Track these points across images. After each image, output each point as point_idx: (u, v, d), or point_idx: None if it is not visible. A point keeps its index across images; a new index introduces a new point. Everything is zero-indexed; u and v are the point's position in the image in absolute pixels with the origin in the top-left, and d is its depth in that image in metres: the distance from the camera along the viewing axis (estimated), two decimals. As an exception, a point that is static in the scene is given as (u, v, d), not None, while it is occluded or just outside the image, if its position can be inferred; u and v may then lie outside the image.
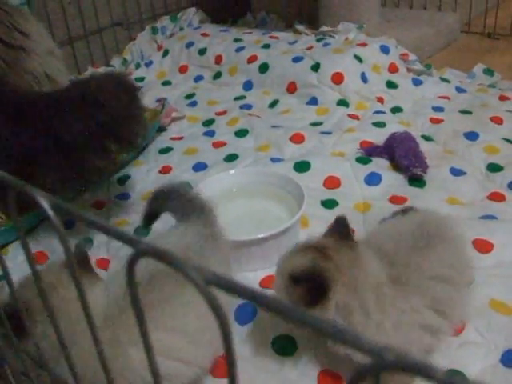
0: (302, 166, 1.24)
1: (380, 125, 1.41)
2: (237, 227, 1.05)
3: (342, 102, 1.53)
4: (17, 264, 1.03)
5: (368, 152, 1.29)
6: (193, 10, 2.22)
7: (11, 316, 0.56)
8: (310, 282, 0.69)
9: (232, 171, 1.16)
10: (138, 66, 2.05)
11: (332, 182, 1.20)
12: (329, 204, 1.14)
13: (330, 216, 1.08)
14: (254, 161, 1.32)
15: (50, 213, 0.33)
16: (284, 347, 0.83)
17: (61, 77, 1.36)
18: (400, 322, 0.70)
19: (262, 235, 0.96)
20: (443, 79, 1.65)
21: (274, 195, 1.11)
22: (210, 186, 1.11)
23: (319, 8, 1.96)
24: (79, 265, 0.66)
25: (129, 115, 1.05)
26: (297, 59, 1.67)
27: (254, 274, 0.98)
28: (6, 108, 1.08)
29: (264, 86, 1.70)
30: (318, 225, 1.05)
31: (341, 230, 0.76)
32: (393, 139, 1.27)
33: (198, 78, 1.88)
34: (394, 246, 0.76)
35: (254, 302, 0.26)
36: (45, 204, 0.33)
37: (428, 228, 0.78)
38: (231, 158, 1.35)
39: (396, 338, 0.69)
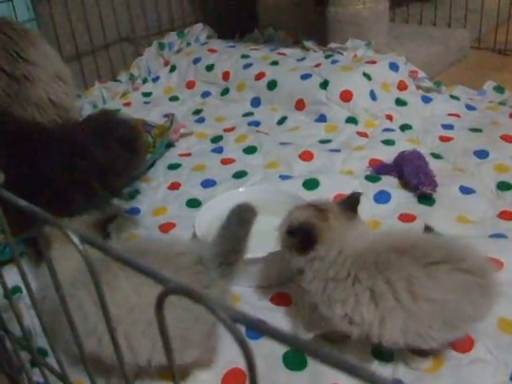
0: (311, 184, 1.24)
1: (389, 142, 1.41)
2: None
3: (351, 120, 1.53)
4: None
5: (377, 170, 1.29)
6: (200, 25, 2.23)
7: None
8: (302, 233, 0.81)
9: (241, 189, 1.17)
10: (145, 80, 2.06)
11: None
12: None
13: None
14: (263, 178, 1.32)
15: (81, 247, 0.33)
16: (294, 362, 0.83)
17: (67, 100, 1.37)
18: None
19: (271, 252, 0.96)
20: (453, 96, 1.65)
21: (283, 213, 1.10)
22: (220, 204, 1.11)
23: (327, 24, 1.96)
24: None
25: (120, 170, 1.06)
26: (305, 76, 1.67)
27: (265, 290, 0.98)
28: (4, 138, 1.08)
29: (272, 102, 1.70)
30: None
31: (351, 202, 0.85)
32: (402, 157, 1.27)
33: (206, 94, 1.88)
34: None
35: (276, 340, 0.26)
36: (75, 238, 0.33)
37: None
38: (240, 174, 1.35)
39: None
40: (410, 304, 0.73)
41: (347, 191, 1.19)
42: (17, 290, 0.98)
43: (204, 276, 0.76)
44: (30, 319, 0.90)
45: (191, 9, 2.32)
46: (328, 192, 1.21)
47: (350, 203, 0.85)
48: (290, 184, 1.25)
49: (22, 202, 0.42)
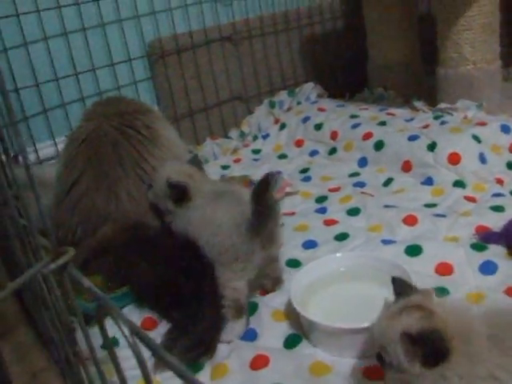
0: (414, 250, 1.21)
1: (498, 209, 1.35)
2: (342, 312, 1.05)
3: (459, 183, 1.49)
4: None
5: (484, 238, 1.24)
6: (310, 84, 2.28)
7: None
8: (428, 344, 0.70)
9: (339, 254, 1.16)
10: (255, 138, 2.12)
11: (444, 269, 1.17)
12: (440, 292, 1.09)
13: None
14: (365, 241, 1.31)
15: (130, 340, 0.34)
16: None
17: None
18: None
19: (367, 324, 0.94)
20: None
21: (381, 280, 1.09)
22: (317, 269, 1.13)
23: (437, 84, 1.95)
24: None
25: None
26: (413, 138, 1.66)
27: (357, 362, 0.97)
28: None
29: (379, 163, 1.70)
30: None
31: (406, 289, 0.80)
32: (512, 225, 1.22)
33: (314, 153, 1.91)
34: None
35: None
36: (125, 329, 0.34)
37: None
38: (342, 237, 1.35)
39: None
40: None
41: (451, 260, 1.18)
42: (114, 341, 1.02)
43: None
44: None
45: (302, 68, 2.38)
46: (431, 260, 1.19)
47: (406, 290, 0.80)
48: (392, 249, 1.23)
49: (86, 282, 0.44)
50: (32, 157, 1.82)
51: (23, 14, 1.74)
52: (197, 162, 1.32)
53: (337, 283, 1.12)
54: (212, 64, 2.11)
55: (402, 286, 0.81)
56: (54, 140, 1.87)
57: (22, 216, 0.65)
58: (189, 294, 1.09)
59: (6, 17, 1.71)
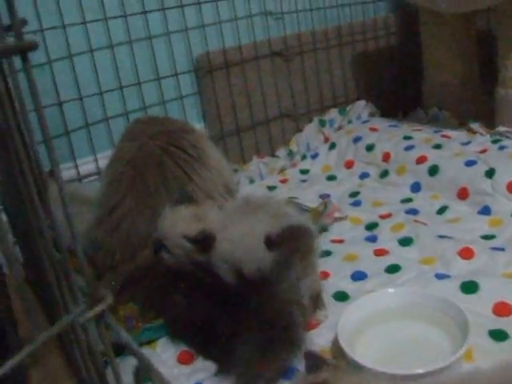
0: (470, 287, 1.14)
1: (562, 244, 1.27)
2: (393, 354, 0.99)
3: (518, 214, 1.41)
4: (161, 360, 1.07)
5: (547, 277, 1.16)
6: (362, 102, 2.22)
7: None
8: None
9: (391, 290, 1.10)
10: (303, 157, 2.07)
11: (503, 309, 1.09)
12: (498, 335, 1.02)
13: (498, 349, 0.99)
14: (417, 275, 1.24)
15: None
16: None
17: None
18: None
19: (420, 371, 0.88)
20: None
21: (434, 319, 1.04)
22: (367, 305, 1.07)
23: (496, 106, 1.86)
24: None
25: None
26: (470, 163, 1.58)
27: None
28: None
29: (433, 189, 1.62)
30: (484, 359, 0.96)
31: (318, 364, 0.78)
32: None
33: (364, 175, 1.85)
34: None
35: None
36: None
37: None
38: (393, 269, 1.28)
39: None
40: None
41: (510, 300, 1.10)
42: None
43: None
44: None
45: (354, 85, 2.31)
46: (488, 299, 1.11)
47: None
48: (446, 285, 1.16)
49: (124, 335, 0.41)
50: (72, 172, 1.80)
51: (69, 26, 1.72)
52: (185, 199, 1.23)
53: (387, 321, 1.06)
54: (261, 80, 2.07)
55: (313, 361, 0.81)
56: (95, 156, 1.85)
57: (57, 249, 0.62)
58: (226, 332, 1.04)
59: (52, 28, 1.69)
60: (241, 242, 1.08)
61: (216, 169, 1.40)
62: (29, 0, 1.65)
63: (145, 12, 1.83)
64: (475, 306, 1.09)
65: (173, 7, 1.88)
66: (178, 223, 1.15)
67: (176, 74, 1.94)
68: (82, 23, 1.75)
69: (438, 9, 1.83)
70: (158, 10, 1.86)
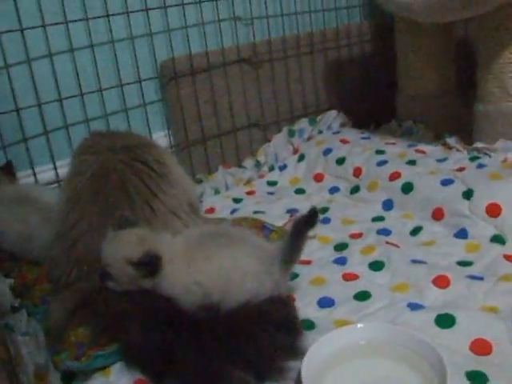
0: (445, 321, 1.04)
1: (545, 273, 1.18)
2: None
3: (498, 239, 1.32)
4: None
5: (529, 310, 1.07)
6: (333, 112, 2.13)
7: None
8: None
9: (360, 325, 1.00)
10: (271, 168, 1.97)
11: (481, 347, 0.99)
12: (476, 378, 0.92)
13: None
14: (389, 304, 1.14)
15: None
16: None
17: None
18: None
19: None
20: None
21: (407, 359, 0.94)
22: (334, 340, 0.97)
23: (475, 120, 1.78)
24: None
25: None
26: (446, 182, 1.49)
27: None
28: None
29: (406, 208, 1.53)
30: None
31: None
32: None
33: (334, 190, 1.75)
34: None
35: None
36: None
37: None
38: (363, 296, 1.18)
39: None
40: None
41: (489, 336, 1.01)
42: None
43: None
44: None
45: (326, 94, 2.23)
46: (465, 334, 1.01)
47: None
48: (420, 317, 1.06)
49: None
50: (30, 180, 1.70)
51: (27, 29, 1.61)
52: (128, 224, 1.13)
53: (355, 359, 0.97)
54: (228, 87, 1.97)
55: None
56: (54, 163, 1.73)
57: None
58: (184, 361, 0.94)
59: (10, 31, 1.58)
60: (224, 276, 1.05)
61: (180, 185, 1.31)
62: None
63: (108, 15, 1.72)
64: (451, 341, 1.00)
65: (137, 10, 1.78)
66: (121, 247, 1.07)
67: (139, 81, 1.83)
68: (42, 26, 1.63)
69: (416, 18, 1.75)
70: (122, 13, 1.75)
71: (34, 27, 1.62)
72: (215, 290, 1.04)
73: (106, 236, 1.09)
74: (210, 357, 0.95)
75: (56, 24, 1.65)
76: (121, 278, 1.07)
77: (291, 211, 1.64)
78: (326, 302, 1.19)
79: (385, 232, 1.45)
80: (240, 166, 2.01)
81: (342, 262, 1.34)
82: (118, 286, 1.08)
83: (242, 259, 1.07)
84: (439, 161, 1.65)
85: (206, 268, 1.06)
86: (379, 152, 1.76)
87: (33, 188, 1.57)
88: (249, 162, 2.01)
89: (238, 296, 1.04)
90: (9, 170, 1.52)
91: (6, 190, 1.47)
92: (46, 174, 1.74)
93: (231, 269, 1.06)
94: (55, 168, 1.73)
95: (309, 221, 1.07)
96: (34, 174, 1.71)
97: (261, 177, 1.95)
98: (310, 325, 1.11)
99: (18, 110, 1.64)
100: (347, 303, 1.17)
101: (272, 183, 1.90)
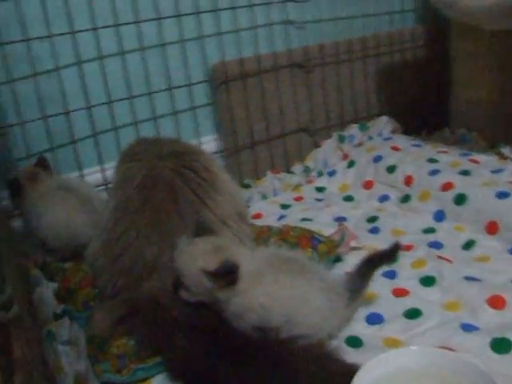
0: (502, 345, 1.00)
1: None
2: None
3: (556, 257, 1.27)
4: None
5: None
6: (385, 118, 2.09)
7: None
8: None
9: (414, 347, 0.96)
10: (320, 174, 1.95)
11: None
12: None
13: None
14: (441, 323, 1.10)
15: None
16: None
17: None
18: None
19: None
20: None
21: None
22: (384, 364, 0.93)
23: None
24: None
25: None
26: (501, 195, 1.44)
27: None
28: None
29: (458, 220, 1.49)
30: None
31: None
32: None
33: (384, 198, 1.72)
34: None
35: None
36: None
37: None
38: (413, 313, 1.15)
39: None
40: None
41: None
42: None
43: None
44: None
45: (377, 100, 2.19)
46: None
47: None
48: (475, 341, 1.03)
49: None
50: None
51: (79, 32, 1.63)
52: (203, 230, 1.12)
53: None
54: (279, 92, 1.95)
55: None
56: (102, 166, 1.75)
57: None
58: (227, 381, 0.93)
59: (61, 34, 1.60)
60: (292, 306, 1.03)
61: (228, 193, 1.30)
62: (37, 4, 1.56)
63: (159, 18, 1.73)
64: (508, 369, 0.96)
65: (188, 14, 1.77)
66: (196, 257, 1.04)
67: (190, 84, 1.83)
68: (93, 29, 1.65)
69: (479, 25, 1.69)
70: (173, 16, 1.75)
71: (84, 30, 1.64)
72: (278, 317, 1.01)
73: (180, 244, 1.07)
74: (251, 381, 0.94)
75: (107, 27, 1.66)
76: (195, 288, 1.03)
77: (339, 219, 1.61)
78: (374, 319, 1.16)
79: (436, 245, 1.41)
80: (288, 171, 2.00)
81: (391, 275, 1.31)
82: (191, 297, 1.05)
83: (312, 293, 1.05)
84: (494, 172, 1.59)
85: (276, 293, 1.03)
86: (431, 160, 1.72)
87: (73, 181, 1.61)
88: (297, 168, 1.99)
89: (299, 329, 1.02)
90: (43, 165, 1.54)
91: (49, 184, 1.49)
92: (93, 175, 1.76)
93: (300, 301, 1.03)
94: (103, 170, 1.75)
95: (390, 256, 1.09)
96: (82, 176, 1.73)
97: (309, 182, 1.92)
98: (357, 342, 1.09)
99: (67, 113, 1.67)
100: (397, 320, 1.14)
101: (320, 189, 1.88)
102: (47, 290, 1.28)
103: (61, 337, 1.14)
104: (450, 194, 1.55)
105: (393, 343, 1.07)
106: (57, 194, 1.46)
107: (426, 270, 1.29)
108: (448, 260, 1.33)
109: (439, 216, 1.54)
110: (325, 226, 1.54)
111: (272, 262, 1.08)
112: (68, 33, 1.60)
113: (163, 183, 1.22)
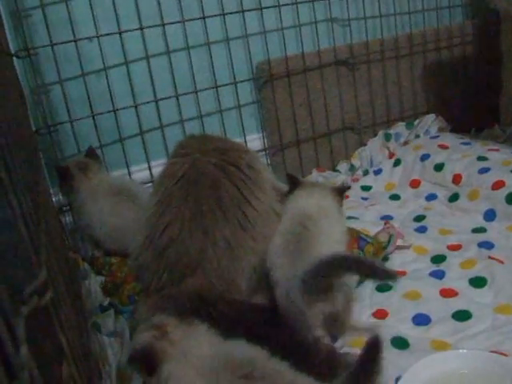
0: (557, 351, 0.97)
1: None
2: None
3: None
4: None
5: None
6: (432, 116, 2.05)
7: None
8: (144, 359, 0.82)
9: (463, 350, 0.94)
10: (365, 172, 1.93)
11: None
12: None
13: None
14: (492, 327, 1.07)
15: None
16: None
17: None
18: None
19: None
20: None
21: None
22: (433, 366, 0.91)
23: None
24: None
25: None
26: (555, 194, 1.40)
27: None
28: None
29: (510, 219, 1.45)
30: None
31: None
32: None
33: (431, 197, 1.69)
34: None
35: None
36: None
37: None
38: (462, 316, 1.12)
39: None
40: None
41: None
42: None
43: None
44: None
45: (424, 98, 2.15)
46: None
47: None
48: (528, 345, 1.00)
49: None
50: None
51: (125, 32, 1.64)
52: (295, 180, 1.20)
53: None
54: (324, 90, 1.94)
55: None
56: (149, 163, 1.76)
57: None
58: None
59: (108, 34, 1.62)
60: None
61: (271, 191, 1.29)
62: (85, 5, 1.58)
63: (204, 17, 1.73)
64: None
65: (233, 12, 1.77)
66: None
67: (235, 82, 1.83)
68: (139, 29, 1.67)
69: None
70: (218, 15, 1.75)
71: (131, 30, 1.65)
72: None
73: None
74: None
75: (153, 26, 1.68)
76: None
77: (385, 218, 1.59)
78: (421, 319, 1.14)
79: (487, 245, 1.37)
80: (334, 169, 1.98)
81: (439, 275, 1.28)
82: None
83: None
84: (547, 170, 1.54)
85: None
86: (481, 158, 1.68)
87: (126, 181, 1.62)
88: (343, 166, 1.97)
89: None
90: (93, 155, 1.56)
91: (100, 181, 1.50)
92: (141, 173, 1.77)
93: None
94: (150, 168, 1.76)
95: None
96: (130, 174, 1.75)
97: (355, 181, 1.90)
98: (403, 343, 1.07)
99: (115, 111, 1.69)
100: (445, 322, 1.11)
101: (366, 188, 1.85)
102: (94, 284, 1.30)
103: (106, 328, 1.15)
104: (502, 193, 1.51)
105: (440, 346, 1.04)
106: (109, 195, 1.47)
107: (477, 271, 1.26)
108: (500, 261, 1.29)
109: (490, 215, 1.50)
110: (370, 225, 1.51)
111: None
112: (115, 32, 1.63)
113: (207, 178, 1.22)
